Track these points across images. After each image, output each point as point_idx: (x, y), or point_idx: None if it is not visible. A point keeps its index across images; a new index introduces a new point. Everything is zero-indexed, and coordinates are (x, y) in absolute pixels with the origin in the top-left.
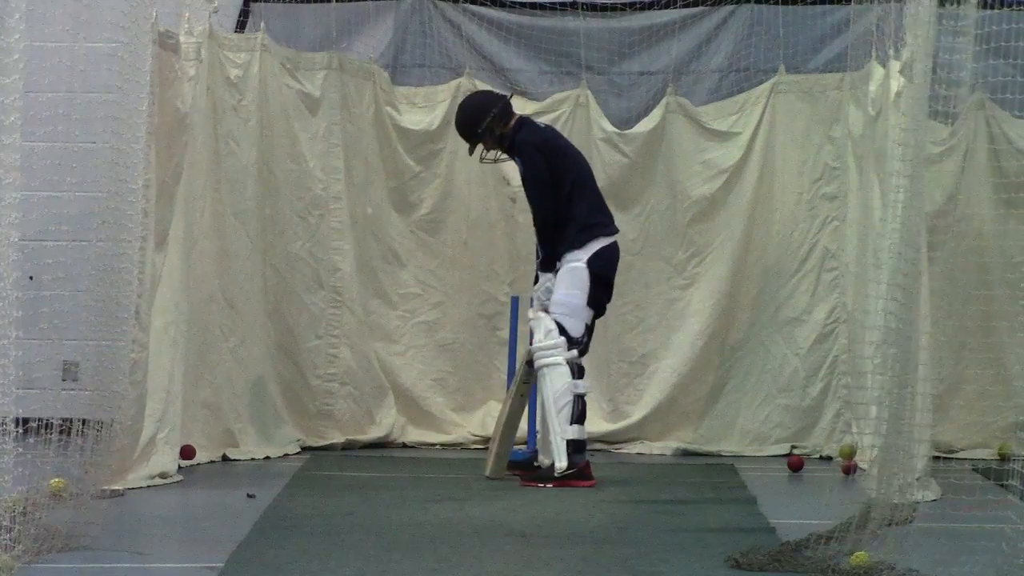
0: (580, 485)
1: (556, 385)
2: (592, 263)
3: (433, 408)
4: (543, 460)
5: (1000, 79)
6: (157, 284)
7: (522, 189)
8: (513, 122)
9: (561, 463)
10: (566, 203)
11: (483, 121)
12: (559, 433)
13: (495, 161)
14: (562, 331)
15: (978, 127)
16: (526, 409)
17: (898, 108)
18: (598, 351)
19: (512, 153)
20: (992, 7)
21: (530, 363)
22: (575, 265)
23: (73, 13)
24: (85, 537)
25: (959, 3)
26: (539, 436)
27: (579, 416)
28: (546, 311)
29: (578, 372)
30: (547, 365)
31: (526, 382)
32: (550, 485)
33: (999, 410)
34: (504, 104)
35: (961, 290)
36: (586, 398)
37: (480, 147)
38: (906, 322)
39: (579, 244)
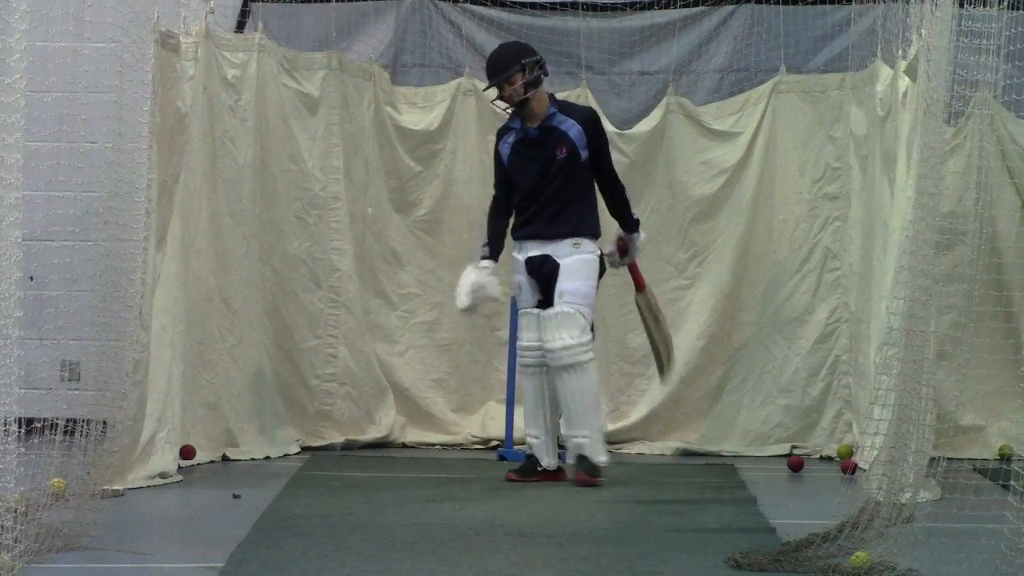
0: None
1: (594, 381)
2: (601, 258)
3: (433, 408)
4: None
5: (1006, 80)
6: (156, 284)
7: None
8: (542, 86)
9: (605, 457)
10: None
11: (528, 56)
12: (600, 428)
13: (504, 110)
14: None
15: (984, 127)
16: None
17: (905, 108)
18: (599, 351)
19: (572, 115)
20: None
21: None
22: (591, 257)
23: (75, 13)
24: (85, 537)
25: (981, 4)
26: (567, 434)
27: None
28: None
29: None
30: (586, 362)
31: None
32: (600, 480)
33: (1003, 410)
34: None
35: (977, 291)
36: None
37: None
38: (910, 322)
39: (596, 235)
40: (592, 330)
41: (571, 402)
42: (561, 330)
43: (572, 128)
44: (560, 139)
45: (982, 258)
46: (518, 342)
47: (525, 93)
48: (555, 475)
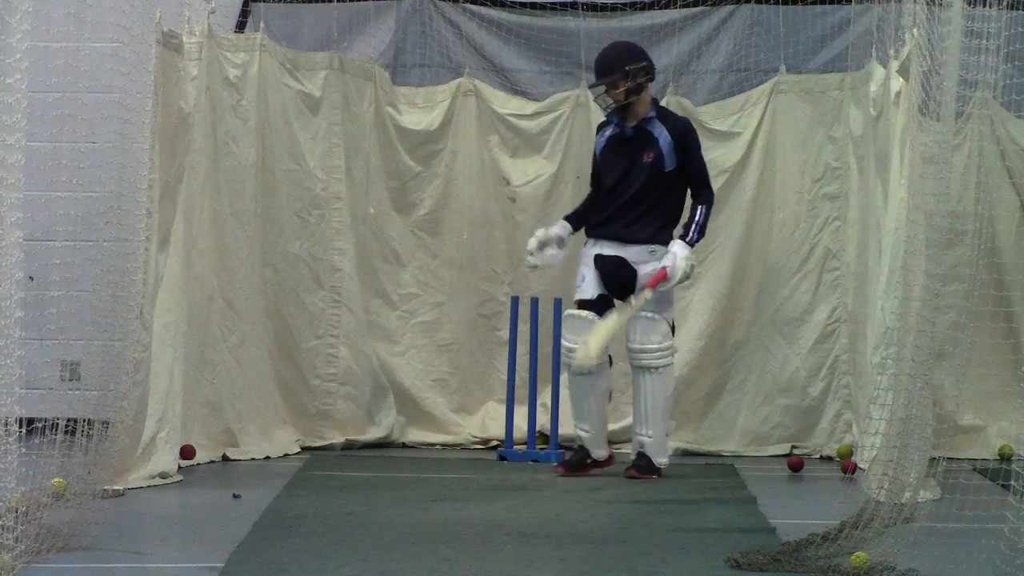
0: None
1: (669, 386)
2: None
3: (433, 408)
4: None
5: (1005, 80)
6: (159, 284)
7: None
8: (649, 93)
9: (665, 459)
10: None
11: (634, 63)
12: (667, 431)
13: (605, 108)
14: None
15: (983, 127)
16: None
17: (898, 108)
18: None
19: (665, 124)
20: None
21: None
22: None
23: (76, 13)
24: (85, 537)
25: (981, 4)
26: (639, 432)
27: None
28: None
29: None
30: (664, 366)
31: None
32: (655, 477)
33: (1003, 410)
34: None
35: (976, 290)
36: None
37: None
38: (909, 322)
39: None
40: (673, 330)
41: (643, 401)
42: (643, 333)
43: (663, 135)
44: (649, 143)
45: (982, 258)
46: (564, 344)
47: (626, 99)
48: (607, 463)
